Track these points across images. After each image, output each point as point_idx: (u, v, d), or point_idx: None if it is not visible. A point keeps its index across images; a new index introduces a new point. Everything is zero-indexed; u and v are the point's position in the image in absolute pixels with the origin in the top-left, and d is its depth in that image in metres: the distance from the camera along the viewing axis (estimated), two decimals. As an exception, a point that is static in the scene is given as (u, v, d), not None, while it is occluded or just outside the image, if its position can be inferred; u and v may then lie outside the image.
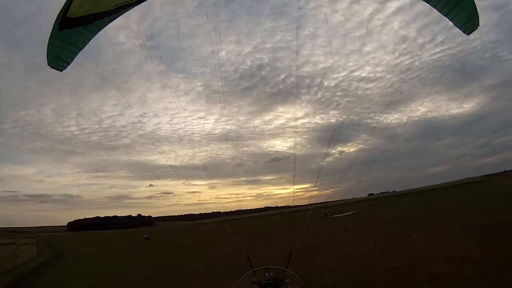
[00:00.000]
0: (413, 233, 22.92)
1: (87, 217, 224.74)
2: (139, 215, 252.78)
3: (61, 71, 6.00)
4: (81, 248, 54.31)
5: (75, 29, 5.84)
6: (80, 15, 5.76)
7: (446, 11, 7.00)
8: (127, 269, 25.29)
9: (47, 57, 5.66)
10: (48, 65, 5.74)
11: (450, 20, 7.13)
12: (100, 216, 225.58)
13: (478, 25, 6.75)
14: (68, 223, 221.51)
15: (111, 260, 33.65)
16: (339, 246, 22.49)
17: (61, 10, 5.51)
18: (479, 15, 6.62)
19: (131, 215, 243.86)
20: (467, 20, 6.85)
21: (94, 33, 6.35)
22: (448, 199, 54.73)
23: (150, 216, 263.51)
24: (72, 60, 6.08)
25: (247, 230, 53.00)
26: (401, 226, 28.57)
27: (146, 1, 6.67)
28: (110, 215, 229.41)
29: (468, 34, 7.08)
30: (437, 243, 18.17)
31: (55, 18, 5.54)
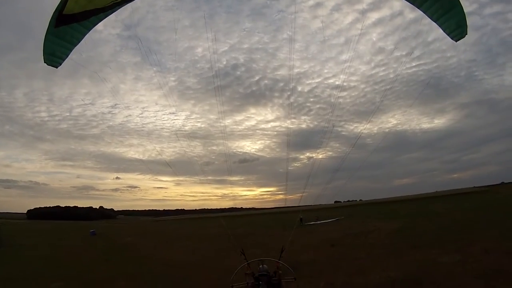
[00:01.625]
0: (438, 255, 16.59)
1: (48, 206, 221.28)
2: (101, 207, 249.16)
3: (57, 67, 6.07)
4: (24, 239, 49.42)
5: (70, 26, 5.89)
6: (76, 12, 5.79)
7: (436, 17, 7.21)
8: (46, 273, 21.88)
9: (43, 54, 5.72)
10: (45, 62, 5.80)
11: (440, 26, 7.34)
12: (61, 205, 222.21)
13: (466, 33, 6.99)
14: (28, 210, 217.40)
15: (43, 257, 29.67)
16: (330, 272, 16.03)
17: (57, 7, 5.54)
18: (467, 23, 6.87)
19: (92, 207, 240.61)
20: (456, 27, 7.07)
21: (89, 29, 6.41)
22: (454, 210, 45.13)
23: (112, 209, 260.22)
24: (67, 57, 6.15)
25: (204, 232, 47.24)
26: (413, 243, 21.32)
27: None
28: (71, 205, 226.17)
29: (456, 41, 7.32)
30: (495, 274, 12.03)
31: (51, 15, 5.55)
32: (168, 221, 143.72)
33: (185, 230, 61.31)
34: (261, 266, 7.01)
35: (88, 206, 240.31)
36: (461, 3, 6.73)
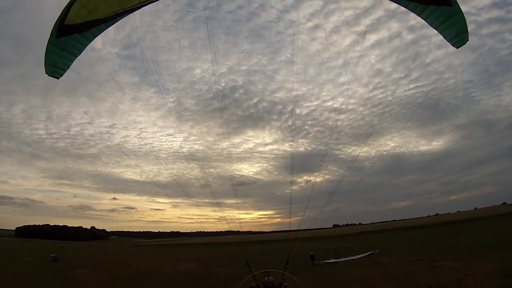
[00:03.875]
0: None
1: (36, 224, 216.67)
2: (92, 227, 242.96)
3: (58, 78, 5.96)
4: (-7, 260, 43.97)
5: (72, 36, 5.83)
6: (77, 22, 5.74)
7: (436, 25, 7.25)
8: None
9: (45, 65, 5.63)
10: (46, 73, 5.70)
11: (440, 33, 7.39)
12: (50, 224, 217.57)
13: (467, 40, 7.03)
14: (16, 228, 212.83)
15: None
16: None
17: (58, 18, 5.49)
18: (468, 31, 6.91)
19: (82, 227, 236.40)
20: (456, 34, 7.11)
21: (90, 40, 6.36)
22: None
23: (104, 230, 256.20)
24: (68, 68, 6.06)
25: (175, 269, 35.38)
26: None
27: (138, 10, 6.69)
28: (61, 225, 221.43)
29: (457, 48, 7.36)
30: None
31: (53, 26, 5.48)
32: (148, 246, 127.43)
33: (155, 261, 49.41)
34: (267, 278, 6.90)
35: (79, 226, 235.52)
36: (462, 10, 6.81)
